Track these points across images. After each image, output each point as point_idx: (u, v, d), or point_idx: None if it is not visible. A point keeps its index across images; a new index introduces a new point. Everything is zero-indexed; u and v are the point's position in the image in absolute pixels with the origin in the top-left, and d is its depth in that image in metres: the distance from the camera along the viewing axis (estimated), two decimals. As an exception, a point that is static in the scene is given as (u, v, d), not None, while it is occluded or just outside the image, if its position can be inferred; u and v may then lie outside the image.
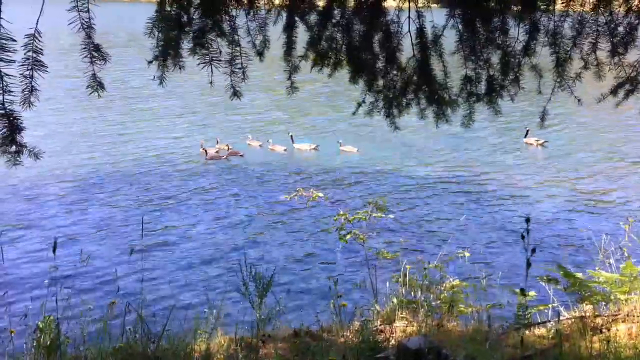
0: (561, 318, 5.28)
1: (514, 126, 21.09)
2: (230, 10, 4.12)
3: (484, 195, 15.33)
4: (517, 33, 4.40)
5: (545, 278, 5.80)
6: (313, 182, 15.54)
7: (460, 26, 4.29)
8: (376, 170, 17.12)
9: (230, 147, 18.76)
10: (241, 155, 18.37)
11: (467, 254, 6.92)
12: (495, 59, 4.49)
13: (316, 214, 13.28)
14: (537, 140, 19.88)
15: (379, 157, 18.38)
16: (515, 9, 4.33)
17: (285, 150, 19.05)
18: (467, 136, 18.61)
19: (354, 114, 4.99)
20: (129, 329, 5.03)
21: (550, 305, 5.66)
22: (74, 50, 3.52)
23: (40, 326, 4.69)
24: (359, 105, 4.84)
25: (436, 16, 4.51)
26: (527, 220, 3.39)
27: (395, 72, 4.55)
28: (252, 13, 4.26)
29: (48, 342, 4.49)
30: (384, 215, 7.84)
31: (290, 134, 19.62)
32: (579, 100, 4.68)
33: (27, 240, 11.90)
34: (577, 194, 15.52)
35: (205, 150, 18.24)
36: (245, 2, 4.16)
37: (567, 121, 21.92)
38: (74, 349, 4.63)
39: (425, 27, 4.42)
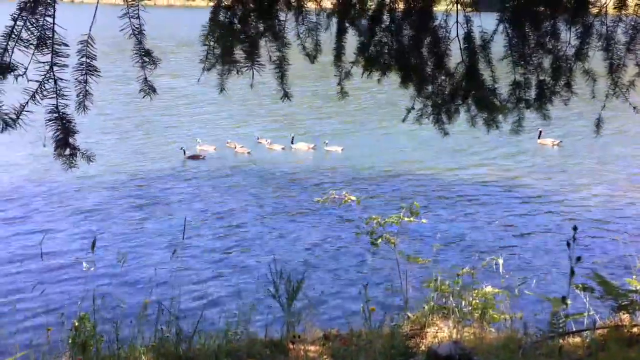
0: (597, 327, 5.17)
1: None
2: (280, 15, 4.19)
3: (515, 199, 15.14)
4: (568, 37, 4.34)
5: (580, 286, 5.68)
6: (344, 185, 15.52)
7: (509, 31, 4.26)
8: (408, 174, 17.04)
9: (239, 145, 19.17)
10: (248, 153, 18.75)
11: (500, 261, 6.82)
12: (545, 63, 4.44)
13: (348, 217, 13.26)
14: (552, 141, 19.63)
15: (412, 161, 18.31)
16: (566, 13, 4.27)
17: (283, 148, 19.35)
18: (479, 137, 18.49)
19: (403, 120, 5.00)
20: (162, 328, 5.10)
21: (585, 314, 5.54)
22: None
23: (76, 324, 4.79)
24: (409, 111, 4.85)
25: (484, 20, 4.48)
26: (574, 228, 3.33)
27: (443, 77, 4.54)
28: (301, 18, 4.33)
29: (83, 340, 4.59)
30: (416, 220, 7.78)
31: (292, 135, 19.75)
32: (634, 107, 4.61)
33: (65, 238, 12.15)
34: (609, 198, 15.19)
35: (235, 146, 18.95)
36: (296, 6, 4.22)
37: (579, 121, 21.49)
38: (107, 348, 4.72)
39: (473, 32, 4.41)
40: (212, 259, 11.29)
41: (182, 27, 50.07)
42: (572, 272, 3.81)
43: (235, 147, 19.26)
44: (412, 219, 7.52)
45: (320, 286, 10.07)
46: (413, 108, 4.81)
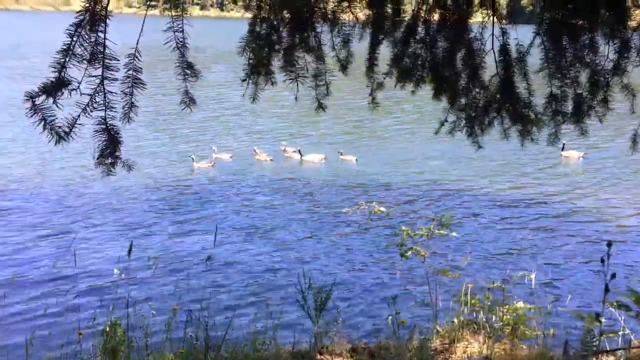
0: (632, 347, 5.04)
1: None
2: (316, 26, 4.25)
3: (544, 213, 14.91)
4: (607, 51, 4.28)
5: (615, 304, 5.55)
6: (367, 195, 15.45)
7: (546, 44, 4.24)
8: (431, 185, 16.91)
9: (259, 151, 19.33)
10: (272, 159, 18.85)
11: (532, 276, 6.71)
12: (583, 77, 4.39)
13: (378, 229, 13.20)
14: (579, 154, 19.35)
15: (431, 172, 18.19)
16: (604, 26, 4.22)
17: (300, 154, 19.38)
18: (501, 149, 18.28)
19: (436, 133, 5.00)
20: (191, 336, 5.14)
21: (620, 333, 5.41)
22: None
23: (107, 329, 4.85)
24: (442, 124, 4.85)
25: (521, 33, 4.45)
26: (609, 244, 3.25)
27: (477, 89, 4.53)
28: (337, 29, 4.38)
29: (113, 346, 4.64)
30: (447, 233, 7.70)
31: (298, 149, 19.73)
32: None
33: (98, 244, 12.34)
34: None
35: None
36: (331, 18, 4.26)
37: (602, 132, 21.07)
38: (137, 354, 4.76)
39: (509, 45, 4.40)
40: (240, 268, 11.32)
41: (217, 38, 50.64)
42: (607, 289, 3.72)
43: (257, 155, 19.43)
44: (442, 231, 7.45)
45: (349, 298, 10.02)
46: (446, 120, 4.80)
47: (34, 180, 16.46)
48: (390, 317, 5.65)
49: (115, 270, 9.88)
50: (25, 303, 9.57)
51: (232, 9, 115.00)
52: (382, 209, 10.47)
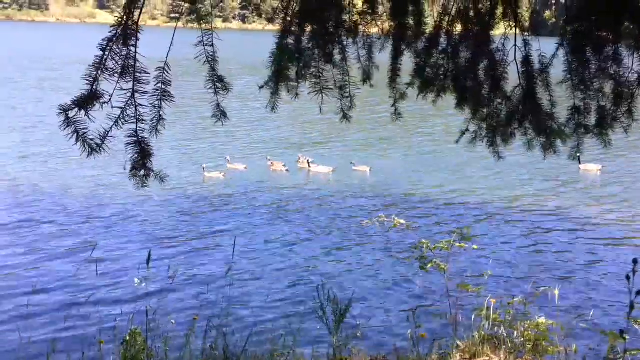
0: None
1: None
2: (342, 39, 4.31)
3: (565, 227, 14.73)
4: (631, 63, 4.25)
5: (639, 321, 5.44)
6: (394, 208, 15.39)
7: (569, 55, 4.23)
8: (448, 197, 16.82)
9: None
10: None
11: (556, 292, 6.61)
12: (606, 89, 4.36)
13: (397, 241, 13.13)
14: (596, 167, 19.19)
15: (447, 184, 18.10)
16: (629, 38, 4.19)
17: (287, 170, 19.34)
18: (518, 161, 18.14)
19: (457, 142, 5.01)
20: (210, 346, 5.14)
21: (645, 351, 5.29)
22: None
23: (127, 339, 4.87)
24: (463, 133, 4.86)
25: (544, 45, 4.43)
26: (635, 261, 3.19)
27: (500, 100, 4.53)
28: (361, 41, 4.45)
29: (133, 355, 4.66)
30: (467, 246, 7.63)
31: (307, 159, 19.73)
32: None
33: (120, 253, 12.44)
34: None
35: (308, 163, 19.23)
36: (355, 30, 4.32)
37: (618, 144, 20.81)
38: (157, 363, 4.77)
39: (531, 56, 4.40)
40: (259, 279, 11.32)
41: (239, 50, 51.15)
42: (632, 306, 3.66)
43: (272, 166, 19.51)
44: (463, 244, 7.38)
45: (368, 310, 9.96)
46: (467, 130, 4.79)
47: (57, 191, 16.67)
48: (410, 331, 5.59)
49: (136, 280, 9.99)
50: (46, 311, 9.66)
51: (254, 22, 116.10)
52: (402, 221, 10.40)
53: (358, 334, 5.91)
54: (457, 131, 4.92)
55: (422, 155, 22.06)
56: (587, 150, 4.73)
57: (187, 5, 3.68)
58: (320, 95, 4.18)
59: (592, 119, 4.43)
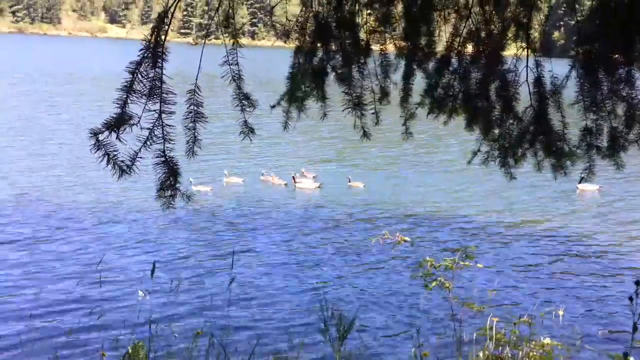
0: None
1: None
2: (358, 58, 4.38)
3: (571, 247, 14.65)
4: None
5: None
6: (397, 226, 15.32)
7: (581, 77, 4.24)
8: (462, 217, 16.74)
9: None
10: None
11: (560, 312, 6.53)
12: (619, 110, 4.37)
13: (401, 258, 13.05)
14: (594, 187, 19.24)
15: (463, 204, 18.03)
16: None
17: (285, 184, 19.38)
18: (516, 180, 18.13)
19: (469, 163, 4.99)
20: (212, 360, 5.08)
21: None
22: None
23: (130, 351, 4.82)
24: (475, 154, 4.85)
25: (556, 66, 4.44)
26: (637, 283, 3.14)
27: (511, 121, 4.54)
28: (378, 60, 4.49)
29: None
30: (472, 264, 7.57)
31: (292, 174, 19.68)
32: None
33: (123, 264, 12.41)
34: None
35: (294, 179, 19.13)
36: (368, 49, 4.39)
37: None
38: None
39: (543, 77, 4.41)
40: (262, 294, 11.24)
41: (249, 66, 51.45)
42: (635, 328, 3.61)
43: (272, 179, 19.53)
44: (467, 263, 7.32)
45: (372, 327, 9.86)
46: (479, 150, 4.78)
47: (64, 203, 16.69)
48: (414, 350, 5.52)
49: (140, 293, 9.93)
50: (49, 322, 9.60)
51: (263, 38, 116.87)
52: (407, 238, 10.36)
53: (361, 352, 5.83)
54: (459, 150, 4.92)
55: (425, 174, 22.01)
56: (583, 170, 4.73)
57: (200, 22, 3.70)
58: (350, 112, 4.25)
59: (603, 141, 4.42)
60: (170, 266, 12.39)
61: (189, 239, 14.27)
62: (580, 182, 18.52)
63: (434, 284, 7.05)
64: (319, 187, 19.27)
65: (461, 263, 7.21)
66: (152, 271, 6.00)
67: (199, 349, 5.56)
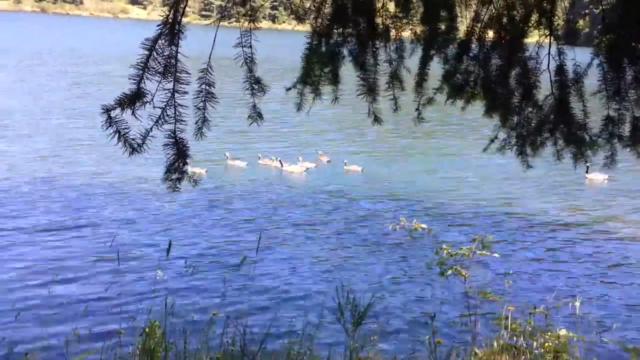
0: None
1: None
2: (373, 42, 4.36)
3: (590, 237, 14.51)
4: None
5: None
6: (414, 211, 15.28)
7: (604, 65, 4.18)
8: (479, 205, 16.63)
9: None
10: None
11: (577, 303, 6.50)
12: None
13: (417, 246, 13.04)
14: (603, 176, 19.10)
15: (485, 190, 17.91)
16: None
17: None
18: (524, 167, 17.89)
19: (485, 150, 4.98)
20: (227, 341, 5.15)
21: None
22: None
23: (147, 331, 4.90)
24: (491, 141, 4.84)
25: (579, 54, 4.38)
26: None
27: (531, 109, 4.51)
28: (393, 45, 4.47)
29: (152, 347, 4.68)
30: (489, 254, 7.55)
31: (278, 158, 19.53)
32: None
33: (141, 242, 12.57)
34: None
35: (281, 163, 19.13)
36: (387, 34, 4.35)
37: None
38: (175, 356, 4.79)
39: (565, 65, 4.35)
40: (279, 278, 11.33)
41: (269, 50, 51.32)
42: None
43: (272, 164, 19.53)
44: (484, 252, 7.30)
45: (387, 314, 9.90)
46: (496, 138, 4.75)
47: (79, 179, 16.91)
48: (428, 337, 5.54)
49: (158, 272, 10.06)
50: (67, 301, 9.76)
51: (283, 22, 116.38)
52: (423, 225, 10.32)
53: (375, 338, 5.86)
54: (472, 136, 4.90)
55: (437, 160, 21.80)
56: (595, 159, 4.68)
57: (223, 4, 3.69)
58: (363, 97, 4.24)
59: (625, 130, 4.37)
60: (187, 245, 12.51)
61: (204, 218, 14.40)
62: (587, 172, 18.44)
63: (450, 272, 7.05)
64: (306, 171, 19.21)
65: (478, 252, 7.20)
66: (168, 250, 6.07)
67: (214, 330, 5.63)
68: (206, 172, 18.03)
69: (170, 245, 5.95)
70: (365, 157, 21.37)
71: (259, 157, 19.90)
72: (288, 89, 4.56)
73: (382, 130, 24.80)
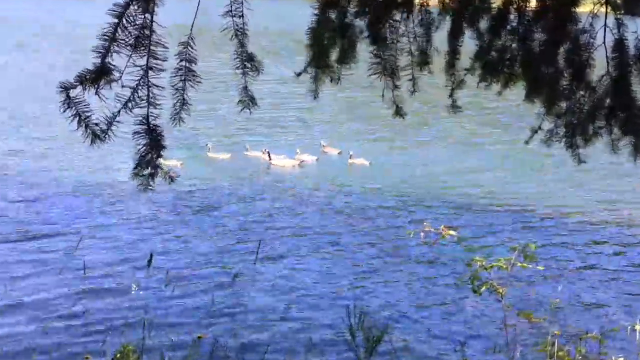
0: None
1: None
2: (394, 17, 4.35)
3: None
4: None
5: None
6: (438, 214, 15.29)
7: None
8: (520, 207, 16.53)
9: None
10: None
11: (637, 327, 6.56)
12: None
13: (445, 256, 13.06)
14: None
15: (525, 188, 17.85)
16: None
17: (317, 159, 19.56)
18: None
19: (527, 142, 5.01)
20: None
21: None
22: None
23: (118, 356, 4.98)
24: (534, 132, 4.85)
25: None
26: None
27: (582, 92, 4.51)
28: (418, 17, 4.48)
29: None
30: (532, 266, 7.58)
31: (267, 150, 19.59)
32: None
33: (110, 250, 12.67)
34: None
35: (268, 154, 19.22)
36: (410, 4, 4.37)
37: None
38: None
39: (626, 39, 4.35)
40: (276, 294, 11.37)
41: (273, 22, 51.24)
42: None
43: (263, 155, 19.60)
44: (526, 264, 7.34)
45: (407, 338, 9.93)
46: (540, 128, 4.76)
47: (35, 175, 17.03)
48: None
49: (133, 286, 10.13)
50: (22, 319, 9.79)
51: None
52: (452, 232, 10.36)
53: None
54: (509, 124, 4.94)
55: (464, 152, 21.50)
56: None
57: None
58: (378, 79, 4.20)
59: None
60: (165, 254, 12.53)
61: (186, 222, 14.49)
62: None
63: (484, 288, 7.08)
64: (300, 164, 19.24)
65: (518, 264, 7.23)
66: (150, 261, 6.12)
67: (199, 354, 5.72)
68: (181, 165, 17.98)
69: (152, 257, 6.01)
70: (373, 148, 21.32)
71: (247, 149, 19.98)
72: (298, 74, 4.58)
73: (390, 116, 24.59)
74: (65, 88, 3.31)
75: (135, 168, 3.62)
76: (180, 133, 19.06)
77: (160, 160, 3.64)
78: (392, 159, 20.38)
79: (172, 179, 3.70)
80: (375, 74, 4.30)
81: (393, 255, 13.32)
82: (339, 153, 20.26)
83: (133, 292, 10.06)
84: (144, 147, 3.55)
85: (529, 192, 17.70)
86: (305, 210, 15.90)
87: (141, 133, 3.53)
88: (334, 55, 4.37)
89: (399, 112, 4.53)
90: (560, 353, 6.00)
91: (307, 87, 4.53)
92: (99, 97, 3.36)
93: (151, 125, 3.52)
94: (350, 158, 19.44)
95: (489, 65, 4.57)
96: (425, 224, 11.40)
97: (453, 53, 4.59)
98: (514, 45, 4.55)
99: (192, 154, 19.39)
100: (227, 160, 19.42)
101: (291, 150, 20.09)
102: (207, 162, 19.17)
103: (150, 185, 3.69)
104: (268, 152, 19.51)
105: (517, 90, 4.69)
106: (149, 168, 3.61)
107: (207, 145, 19.78)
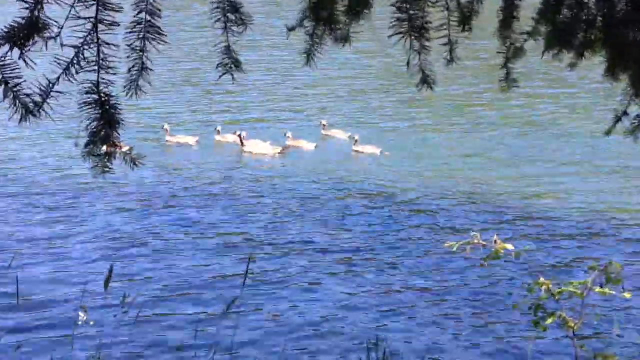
0: None
1: None
2: None
3: None
4: None
5: None
6: (479, 222, 15.38)
7: None
8: (591, 210, 16.54)
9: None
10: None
11: None
12: None
13: (498, 276, 13.06)
14: None
15: (598, 189, 17.84)
16: None
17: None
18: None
19: (608, 133, 5.07)
20: None
21: None
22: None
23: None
24: (618, 119, 4.90)
25: None
26: None
27: None
28: None
29: None
30: (614, 291, 7.52)
31: (238, 133, 19.78)
32: None
33: (56, 264, 12.91)
34: None
35: (240, 138, 19.35)
36: None
37: None
38: None
39: None
40: (275, 321, 11.48)
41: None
42: None
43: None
44: (606, 289, 7.27)
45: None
46: (626, 113, 4.68)
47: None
48: None
49: (80, 314, 10.12)
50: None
51: None
52: (508, 246, 10.31)
53: None
54: (579, 107, 4.93)
55: (512, 141, 21.47)
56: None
57: None
58: (403, 39, 4.15)
59: None
60: (128, 269, 12.72)
61: (155, 227, 14.68)
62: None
63: (550, 320, 7.03)
64: (280, 152, 19.35)
65: (597, 289, 7.16)
66: (108, 280, 6.07)
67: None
68: (196, 142, 18.68)
69: (111, 271, 6.00)
70: (386, 133, 21.42)
71: (217, 131, 20.00)
72: (291, 29, 4.57)
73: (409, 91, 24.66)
74: None
75: (86, 146, 3.67)
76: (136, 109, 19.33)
77: (117, 136, 3.69)
78: (409, 147, 20.34)
79: (134, 162, 3.78)
80: (398, 33, 4.25)
81: (431, 273, 13.35)
82: (349, 137, 20.13)
83: (80, 321, 10.07)
84: (96, 122, 3.60)
85: (606, 196, 17.55)
86: (301, 210, 16.19)
87: (91, 104, 3.58)
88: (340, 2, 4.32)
89: (425, 80, 4.39)
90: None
91: (300, 47, 4.46)
92: (25, 61, 3.35)
93: (102, 95, 3.57)
94: (354, 144, 19.46)
95: (559, 28, 4.51)
96: (473, 234, 11.38)
97: (509, 9, 4.55)
98: (591, 2, 4.49)
99: (144, 138, 19.65)
100: (188, 147, 19.59)
101: (277, 135, 20.20)
102: (164, 148, 19.51)
103: (108, 167, 3.77)
104: (240, 136, 19.44)
105: (595, 63, 4.60)
106: (104, 146, 3.69)
107: (163, 126, 19.87)
